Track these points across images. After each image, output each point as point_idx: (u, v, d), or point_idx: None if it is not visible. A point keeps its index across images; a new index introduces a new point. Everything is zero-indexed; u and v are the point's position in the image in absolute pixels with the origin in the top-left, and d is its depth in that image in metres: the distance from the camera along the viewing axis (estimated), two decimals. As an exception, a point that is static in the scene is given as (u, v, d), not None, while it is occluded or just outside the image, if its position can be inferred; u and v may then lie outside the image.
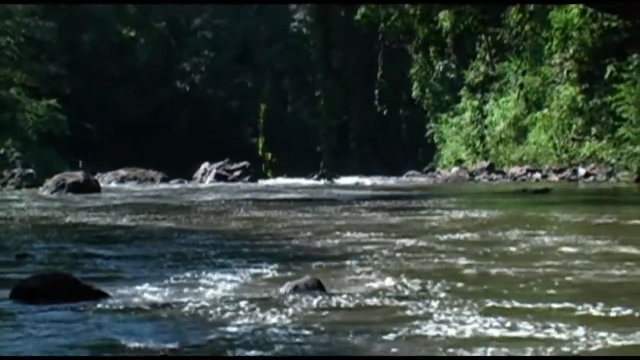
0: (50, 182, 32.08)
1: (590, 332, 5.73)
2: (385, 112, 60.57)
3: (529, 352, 5.41)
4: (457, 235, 13.21)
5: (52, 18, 52.42)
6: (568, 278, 8.53)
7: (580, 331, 5.92)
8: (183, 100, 59.83)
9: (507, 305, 6.90)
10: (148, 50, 60.05)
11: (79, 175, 32.84)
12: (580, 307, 6.71)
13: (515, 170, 39.94)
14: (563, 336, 5.83)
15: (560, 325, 6.12)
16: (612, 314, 6.43)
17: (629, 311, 6.51)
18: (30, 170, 37.61)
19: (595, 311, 6.56)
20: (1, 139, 40.67)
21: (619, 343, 5.52)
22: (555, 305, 6.96)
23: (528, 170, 39.07)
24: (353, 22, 36.38)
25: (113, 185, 38.83)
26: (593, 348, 5.38)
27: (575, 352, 5.34)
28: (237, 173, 43.36)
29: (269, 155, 53.78)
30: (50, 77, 51.47)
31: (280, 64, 63.78)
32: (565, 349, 5.37)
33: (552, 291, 7.74)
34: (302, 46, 63.63)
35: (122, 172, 43.90)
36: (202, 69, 63.22)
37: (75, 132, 49.80)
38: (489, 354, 5.44)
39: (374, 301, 7.26)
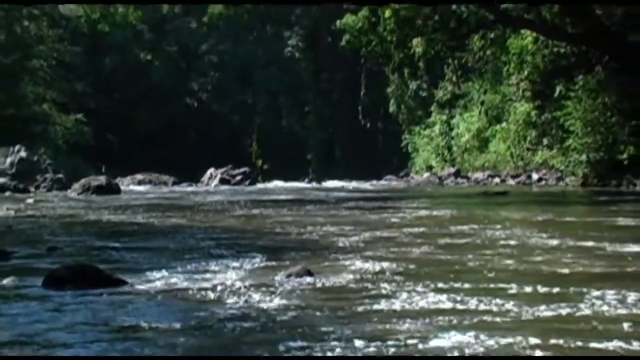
0: (77, 185, 31.91)
1: (521, 306, 6.07)
2: (367, 125, 60.46)
3: (469, 320, 5.66)
4: (425, 229, 13.27)
5: (78, 44, 52.21)
6: (508, 263, 8.79)
7: (512, 305, 6.20)
8: (192, 115, 59.58)
9: (456, 285, 7.17)
10: (161, 71, 59.82)
11: (102, 179, 32.65)
12: (514, 286, 7.00)
13: (478, 175, 39.78)
14: (498, 308, 6.12)
15: (497, 300, 6.40)
16: (540, 292, 6.74)
17: (555, 289, 6.83)
18: (60, 175, 37.48)
19: (527, 289, 6.86)
20: (35, 147, 40.53)
21: (542, 314, 5.86)
22: (493, 285, 7.23)
23: (489, 175, 38.90)
24: (339, 47, 36.18)
25: (131, 187, 38.63)
26: (523, 318, 5.73)
27: (506, 320, 5.64)
28: (238, 177, 43.19)
29: (260, 162, 53.44)
30: (77, 95, 51.34)
31: (275, 84, 63.49)
32: (498, 318, 5.71)
33: (492, 274, 7.96)
34: (294, 68, 63.35)
35: (139, 176, 43.70)
36: (208, 87, 62.96)
37: (98, 142, 49.74)
38: (438, 323, 5.65)
39: (353, 284, 7.43)
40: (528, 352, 4.81)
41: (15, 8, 46.33)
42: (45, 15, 49.59)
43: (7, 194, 31.00)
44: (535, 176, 35.19)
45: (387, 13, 28.57)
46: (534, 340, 5.05)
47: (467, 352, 4.87)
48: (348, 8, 38.18)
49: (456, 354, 4.88)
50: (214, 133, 58.09)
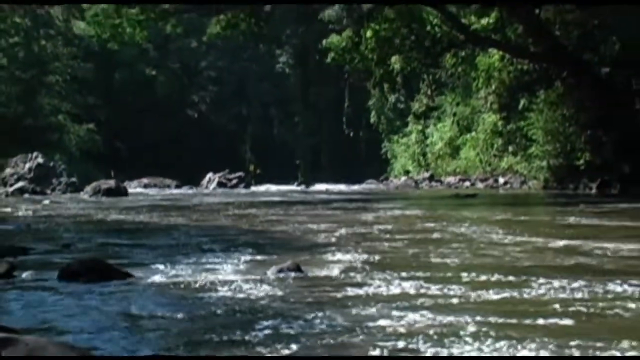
0: (89, 188, 31.80)
1: (472, 291, 6.38)
2: (350, 134, 60.48)
3: (428, 302, 5.97)
4: (399, 226, 13.46)
5: (90, 61, 52.14)
6: (467, 255, 9.07)
7: (465, 290, 6.53)
8: (192, 125, 59.51)
9: (420, 274, 7.41)
10: (165, 85, 59.79)
11: (111, 182, 32.57)
12: (469, 275, 7.28)
13: (450, 179, 39.75)
14: (453, 293, 6.45)
15: (453, 286, 6.71)
16: (491, 280, 6.94)
17: (504, 278, 7.03)
18: (74, 179, 37.39)
19: (480, 278, 7.10)
20: (51, 154, 40.45)
21: (489, 298, 6.12)
22: (451, 274, 7.52)
23: (460, 179, 38.86)
24: (325, 64, 36.16)
25: (137, 190, 38.57)
26: (472, 300, 6.00)
27: (459, 302, 5.94)
28: (234, 181, 43.09)
29: (254, 167, 53.34)
30: (89, 107, 51.23)
31: (268, 97, 63.49)
32: (452, 300, 6.00)
33: (452, 264, 8.26)
34: (285, 83, 63.42)
35: (145, 180, 43.64)
36: (207, 100, 62.87)
37: (108, 149, 49.71)
38: (402, 305, 5.91)
39: (335, 274, 7.57)
40: (469, 328, 5.07)
41: (33, 28, 46.35)
42: (60, 35, 49.56)
43: (26, 196, 30.99)
44: (501, 180, 35.23)
45: (369, 33, 28.62)
46: (477, 318, 5.34)
47: (424, 327, 5.15)
48: (334, 28, 38.25)
49: (416, 329, 5.11)
50: (212, 141, 58.02)
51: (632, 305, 5.77)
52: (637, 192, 21.96)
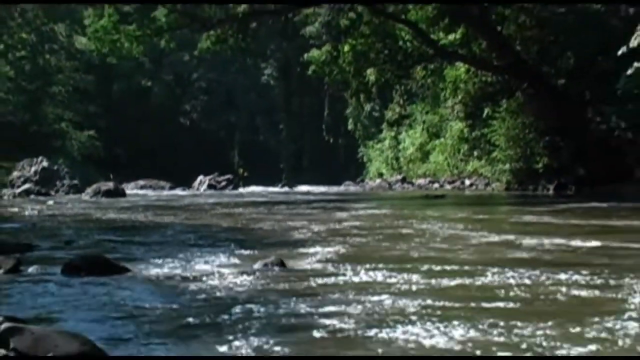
0: (89, 189, 31.61)
1: (430, 279, 6.49)
2: (330, 140, 60.50)
3: (392, 289, 6.16)
4: (373, 224, 13.49)
5: (91, 73, 52.01)
6: (429, 248, 9.20)
7: (424, 278, 6.72)
8: (185, 132, 59.38)
9: (386, 265, 7.51)
10: (160, 96, 59.69)
11: (110, 184, 32.39)
12: (432, 265, 7.40)
13: (421, 181, 39.71)
14: (415, 280, 6.65)
15: (415, 275, 6.92)
16: (449, 269, 7.08)
17: (465, 268, 7.16)
18: (75, 181, 37.26)
19: (441, 267, 7.23)
20: (55, 158, 40.35)
21: (450, 284, 6.26)
22: (414, 265, 7.61)
23: (430, 181, 38.86)
24: (306, 76, 36.15)
25: (135, 191, 38.44)
26: (436, 287, 6.11)
27: (418, 288, 6.04)
28: (223, 183, 42.89)
29: (241, 170, 53.27)
30: (90, 115, 51.07)
31: (254, 106, 63.37)
32: (415, 287, 6.11)
33: (417, 256, 8.42)
34: (270, 93, 63.34)
35: (141, 182, 43.47)
36: (198, 109, 62.73)
37: (107, 154, 49.50)
38: (370, 291, 6.09)
39: (313, 267, 7.65)
40: (425, 310, 5.30)
41: (38, 43, 46.24)
42: (63, 50, 49.44)
43: (32, 196, 30.88)
44: (467, 182, 35.27)
45: (346, 48, 28.70)
46: (435, 302, 5.59)
47: (388, 309, 5.39)
48: (314, 44, 38.31)
49: (380, 312, 5.37)
50: (203, 146, 57.93)
51: (572, 292, 5.99)
52: (591, 193, 22.13)
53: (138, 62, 53.20)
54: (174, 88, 61.18)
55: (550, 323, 4.84)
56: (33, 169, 37.50)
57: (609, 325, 4.79)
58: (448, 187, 36.12)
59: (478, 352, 4.26)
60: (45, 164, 37.93)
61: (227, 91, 62.59)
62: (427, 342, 4.50)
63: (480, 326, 4.80)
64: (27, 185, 34.26)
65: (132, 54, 32.44)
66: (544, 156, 27.47)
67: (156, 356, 4.40)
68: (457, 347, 4.36)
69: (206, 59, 56.83)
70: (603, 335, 4.56)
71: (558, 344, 4.37)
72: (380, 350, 4.38)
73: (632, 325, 4.77)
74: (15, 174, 37.17)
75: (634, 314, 5.13)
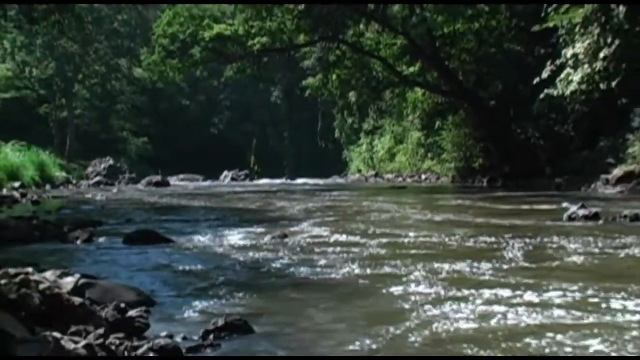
0: (143, 181, 31.74)
1: (403, 262, 5.80)
2: (322, 145, 60.26)
3: (365, 257, 6.00)
4: (352, 205, 13.62)
5: (144, 94, 51.93)
6: (388, 221, 9.40)
7: (386, 238, 6.85)
8: (214, 139, 58.99)
9: (356, 231, 7.40)
10: (195, 111, 59.40)
11: (158, 177, 32.52)
12: (397, 247, 7.04)
13: (389, 176, 39.43)
14: (377, 240, 6.90)
15: (375, 240, 6.91)
16: (412, 252, 6.63)
17: (429, 251, 6.82)
18: (133, 175, 37.26)
19: (404, 250, 6.81)
20: (118, 158, 40.55)
21: (413, 266, 5.50)
22: (376, 232, 7.71)
23: (395, 176, 38.49)
24: (305, 96, 36.11)
25: (176, 182, 38.25)
26: (403, 270, 5.32)
27: (392, 270, 5.39)
28: (242, 176, 43.05)
29: (256, 167, 53.18)
30: (143, 126, 50.85)
31: (265, 119, 63.09)
32: (387, 268, 5.49)
33: (379, 226, 8.32)
34: (277, 110, 63.05)
35: (181, 175, 43.15)
36: (224, 121, 62.36)
37: (156, 155, 49.20)
38: (349, 256, 6.07)
39: (314, 242, 7.54)
40: (378, 253, 5.89)
41: (107, 73, 46.19)
42: (125, 77, 49.26)
43: (101, 186, 30.79)
44: (423, 177, 35.10)
45: (334, 76, 28.76)
46: (383, 250, 5.81)
47: (357, 274, 5.30)
48: (310, 73, 38.11)
49: (348, 258, 5.82)
50: (227, 149, 57.55)
51: (469, 243, 6.36)
52: (513, 185, 22.21)
53: (179, 87, 52.93)
54: (205, 106, 60.69)
55: (464, 263, 4.88)
56: (102, 165, 37.60)
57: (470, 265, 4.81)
58: (409, 180, 35.88)
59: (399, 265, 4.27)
60: (111, 162, 38.09)
61: (245, 108, 62.13)
62: (374, 267, 4.58)
63: (416, 273, 4.86)
64: (98, 178, 34.24)
65: (174, 80, 32.48)
66: (480, 157, 27.48)
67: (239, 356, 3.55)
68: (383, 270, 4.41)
69: (230, 84, 56.56)
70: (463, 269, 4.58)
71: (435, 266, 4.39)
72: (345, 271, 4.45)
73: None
74: (90, 169, 37.41)
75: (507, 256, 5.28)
